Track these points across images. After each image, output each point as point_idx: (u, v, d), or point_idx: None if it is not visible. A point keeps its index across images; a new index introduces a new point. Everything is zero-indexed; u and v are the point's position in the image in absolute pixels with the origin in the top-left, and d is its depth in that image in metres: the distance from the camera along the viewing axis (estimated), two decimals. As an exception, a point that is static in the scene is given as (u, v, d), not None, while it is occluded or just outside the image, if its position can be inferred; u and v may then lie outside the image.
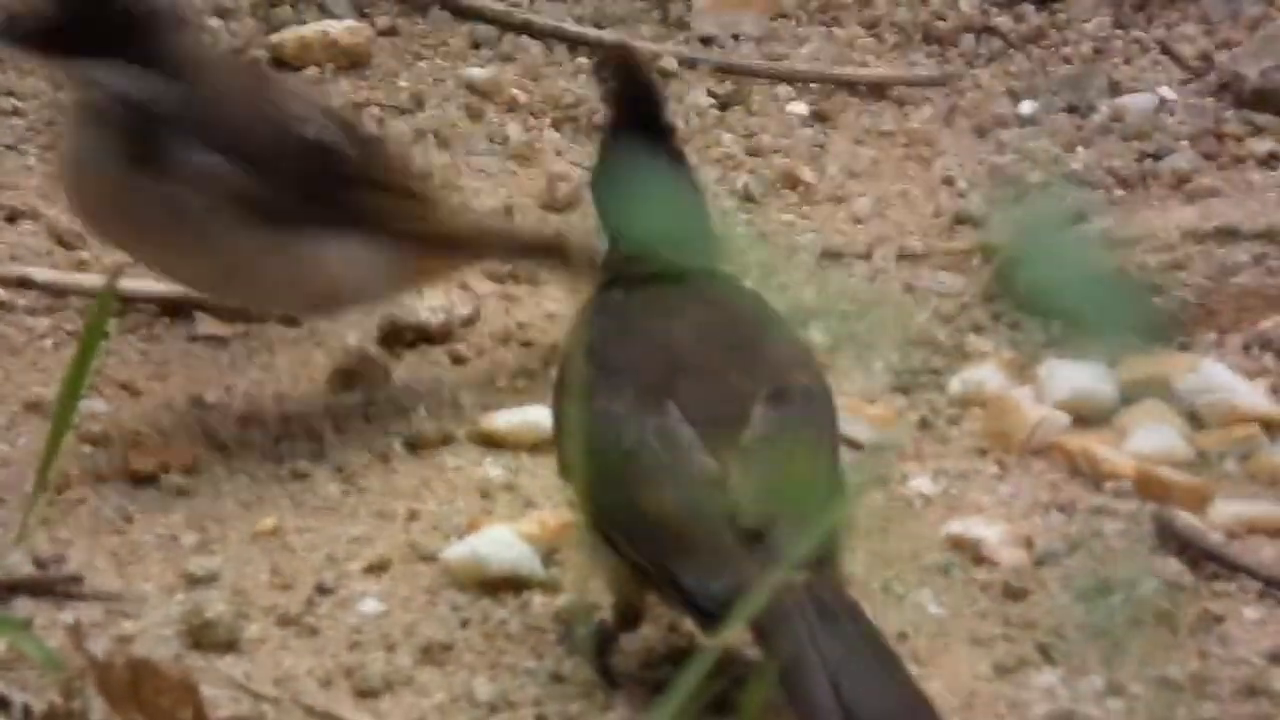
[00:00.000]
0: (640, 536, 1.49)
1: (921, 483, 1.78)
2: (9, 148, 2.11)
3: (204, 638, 1.60)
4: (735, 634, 1.47)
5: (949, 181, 2.18)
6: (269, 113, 1.76)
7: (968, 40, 2.36)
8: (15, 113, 2.15)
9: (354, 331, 1.94)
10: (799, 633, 1.43)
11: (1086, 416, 1.85)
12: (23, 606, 1.61)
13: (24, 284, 1.94)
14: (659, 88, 1.65)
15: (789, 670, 1.43)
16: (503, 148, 2.19)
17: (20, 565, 1.64)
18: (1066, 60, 2.33)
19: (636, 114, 1.61)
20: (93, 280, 1.95)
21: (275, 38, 2.27)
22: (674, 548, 1.47)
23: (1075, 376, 1.86)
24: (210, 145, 1.71)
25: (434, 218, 1.81)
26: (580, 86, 2.26)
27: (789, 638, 1.43)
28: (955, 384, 1.89)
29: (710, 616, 1.46)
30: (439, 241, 1.81)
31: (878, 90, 2.29)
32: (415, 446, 1.81)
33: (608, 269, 1.62)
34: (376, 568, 1.68)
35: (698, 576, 1.46)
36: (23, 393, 1.83)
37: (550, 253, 1.88)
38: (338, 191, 1.76)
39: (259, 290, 1.77)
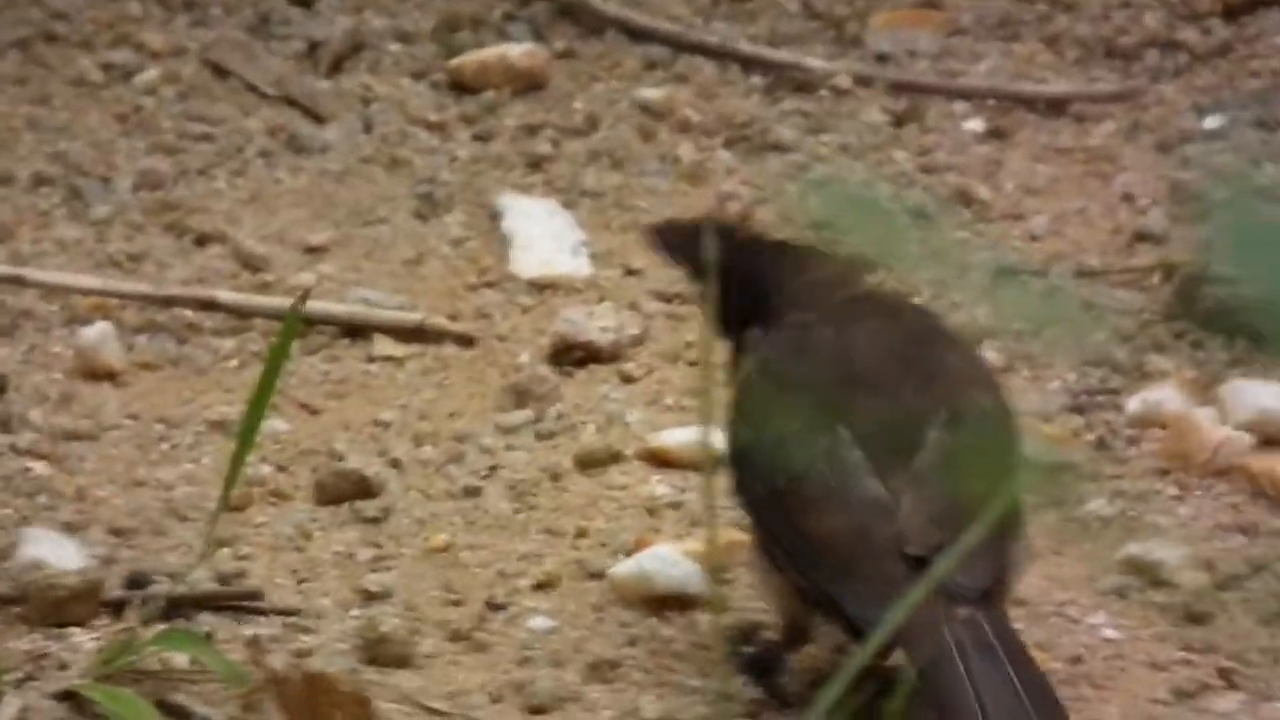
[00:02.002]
0: (805, 560, 1.49)
1: (1099, 504, 1.75)
2: (199, 173, 2.18)
3: (379, 653, 1.63)
4: (888, 652, 1.45)
5: (1129, 198, 2.13)
6: None
7: (1152, 55, 2.31)
8: (205, 138, 2.22)
9: (526, 351, 1.96)
10: (953, 665, 1.41)
11: (1271, 437, 1.80)
12: (205, 621, 1.65)
13: (210, 306, 1.99)
14: None
15: (940, 702, 1.41)
16: (674, 168, 2.20)
17: (203, 581, 1.68)
18: (1254, 74, 2.27)
19: None
20: (276, 302, 1.99)
21: (454, 61, 2.31)
22: (838, 573, 1.47)
23: (1259, 396, 1.82)
24: None
25: None
26: (753, 105, 2.27)
27: (943, 669, 1.42)
28: (1134, 404, 1.85)
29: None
30: None
31: (1057, 106, 2.25)
32: (584, 464, 1.82)
33: (788, 287, 1.61)
34: (546, 585, 1.70)
35: (861, 603, 1.45)
36: (208, 412, 1.88)
37: None
38: None
39: None
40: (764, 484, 1.51)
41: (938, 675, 1.41)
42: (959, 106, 2.25)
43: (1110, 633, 1.62)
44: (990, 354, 1.91)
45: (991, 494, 1.48)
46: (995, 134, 2.23)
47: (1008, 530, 1.49)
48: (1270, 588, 1.65)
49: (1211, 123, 2.21)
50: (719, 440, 1.61)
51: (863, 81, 2.28)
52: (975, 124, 2.24)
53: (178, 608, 1.65)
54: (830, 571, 1.47)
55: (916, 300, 1.63)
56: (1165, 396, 1.84)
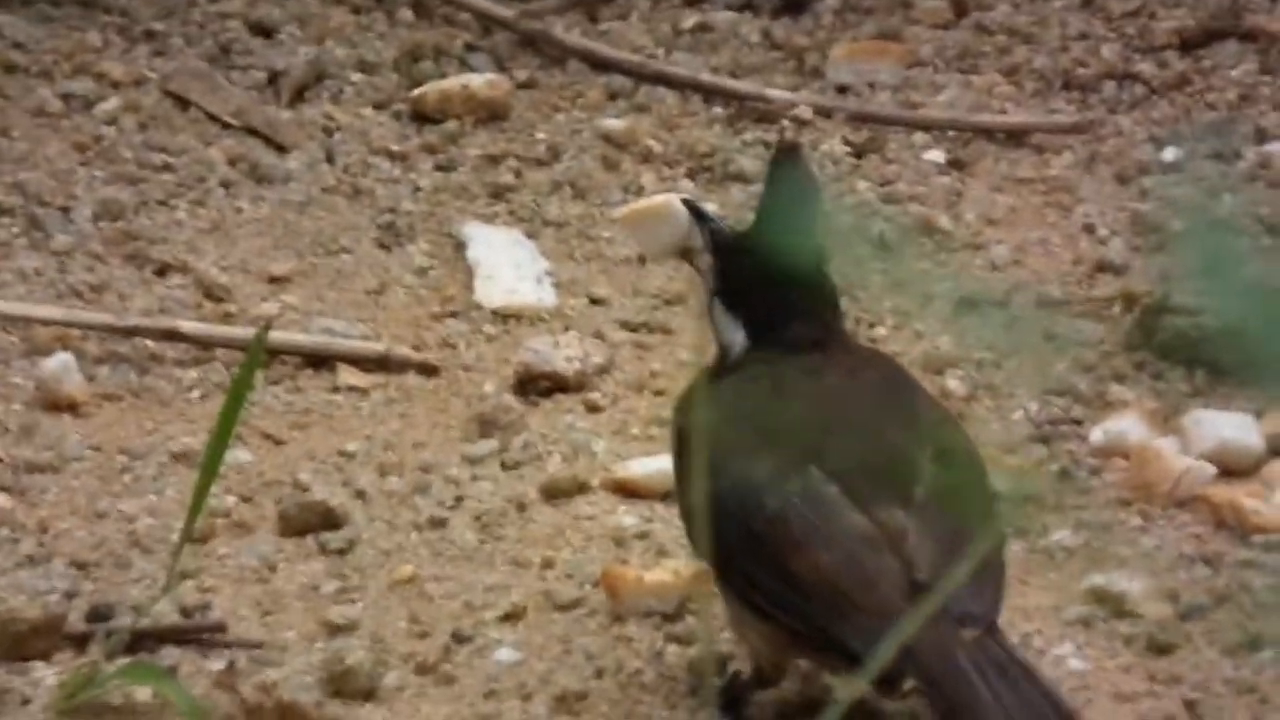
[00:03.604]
0: (792, 601, 1.48)
1: (1063, 534, 1.76)
2: (160, 203, 2.17)
3: (344, 685, 1.62)
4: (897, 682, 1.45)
5: (1089, 229, 2.15)
6: None
7: (1109, 87, 2.33)
8: (166, 168, 2.21)
9: (491, 380, 1.96)
10: (977, 686, 1.42)
11: (1232, 468, 1.81)
12: (169, 654, 1.64)
13: (173, 336, 1.98)
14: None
15: None
16: (638, 197, 2.20)
17: (166, 614, 1.67)
18: (1211, 107, 2.29)
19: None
20: (239, 333, 1.99)
21: (416, 91, 2.31)
22: (832, 610, 1.46)
23: (1221, 427, 1.83)
24: None
25: None
26: (715, 136, 2.27)
27: (967, 691, 1.42)
28: (1097, 434, 1.86)
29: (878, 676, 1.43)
30: None
31: (1016, 137, 2.27)
32: (550, 495, 1.82)
33: (751, 341, 1.59)
34: (512, 616, 1.69)
35: (863, 636, 1.44)
36: (170, 444, 1.87)
37: None
38: None
39: None
40: (739, 528, 1.49)
41: (959, 696, 1.41)
42: (919, 137, 2.27)
43: (1076, 663, 1.63)
44: (953, 384, 1.91)
45: (985, 524, 1.49)
46: (956, 164, 2.24)
47: (1001, 558, 1.50)
48: (1234, 619, 1.66)
49: (1169, 154, 2.23)
50: (679, 486, 1.60)
51: (824, 112, 2.29)
52: (936, 154, 2.25)
53: (141, 641, 1.64)
54: (823, 609, 1.46)
55: (878, 351, 1.63)
56: (1127, 426, 1.85)
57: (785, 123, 2.28)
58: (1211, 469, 1.81)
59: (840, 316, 1.60)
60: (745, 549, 1.49)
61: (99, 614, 1.67)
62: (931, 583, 1.45)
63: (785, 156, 1.61)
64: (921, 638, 1.42)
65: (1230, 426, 1.83)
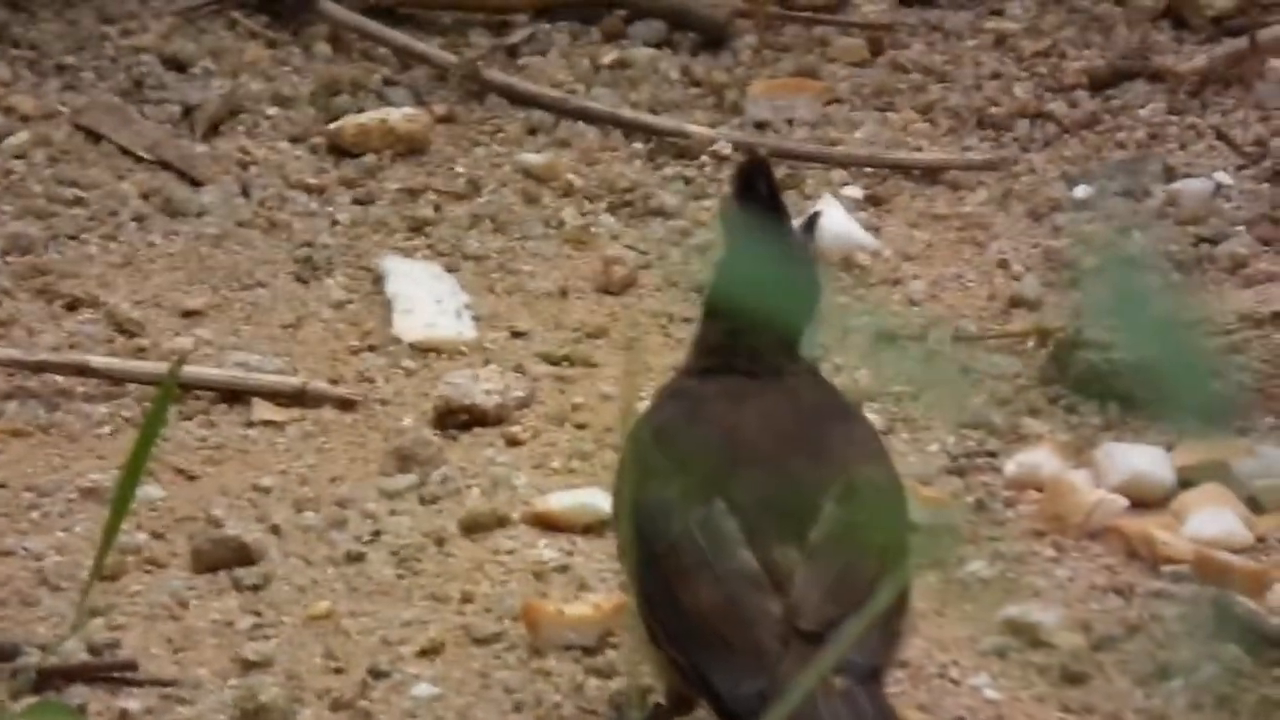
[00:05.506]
0: (676, 631, 1.46)
1: (978, 566, 1.77)
2: (70, 237, 2.14)
3: (257, 722, 1.60)
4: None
5: (1004, 264, 2.17)
6: None
7: (1022, 125, 2.36)
8: (77, 202, 2.19)
9: (409, 414, 1.94)
10: None
11: (1144, 500, 1.83)
12: (77, 693, 1.61)
13: (83, 372, 1.96)
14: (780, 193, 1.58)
15: None
16: (558, 232, 2.20)
17: (75, 652, 1.64)
18: (1121, 145, 2.33)
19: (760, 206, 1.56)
20: (151, 367, 1.96)
21: (334, 125, 2.30)
22: (707, 646, 1.44)
23: (1133, 460, 1.85)
24: None
25: None
26: (635, 171, 2.28)
27: None
28: (1011, 466, 1.88)
29: (736, 718, 1.41)
30: None
31: (932, 174, 2.29)
32: (470, 529, 1.81)
33: (696, 355, 1.58)
34: (430, 651, 1.68)
35: (729, 677, 1.42)
36: (80, 480, 1.85)
37: None
38: None
39: None
40: (644, 550, 1.48)
41: None
42: (837, 174, 2.28)
43: (991, 694, 1.64)
44: (870, 416, 1.92)
45: (884, 569, 1.46)
46: (872, 200, 2.26)
47: (898, 606, 1.48)
48: (1145, 649, 1.68)
49: (1080, 192, 2.26)
50: (602, 502, 1.60)
51: (743, 149, 2.30)
52: (853, 191, 2.27)
53: (48, 680, 1.61)
54: (699, 645, 1.45)
55: (819, 374, 1.58)
56: (1041, 459, 1.87)
57: (705, 158, 2.29)
58: (1123, 501, 1.83)
59: (798, 339, 1.56)
60: (646, 572, 1.48)
61: (5, 652, 1.64)
62: (814, 628, 1.43)
63: (749, 175, 1.56)
64: (787, 682, 1.40)
65: (1142, 459, 1.85)
